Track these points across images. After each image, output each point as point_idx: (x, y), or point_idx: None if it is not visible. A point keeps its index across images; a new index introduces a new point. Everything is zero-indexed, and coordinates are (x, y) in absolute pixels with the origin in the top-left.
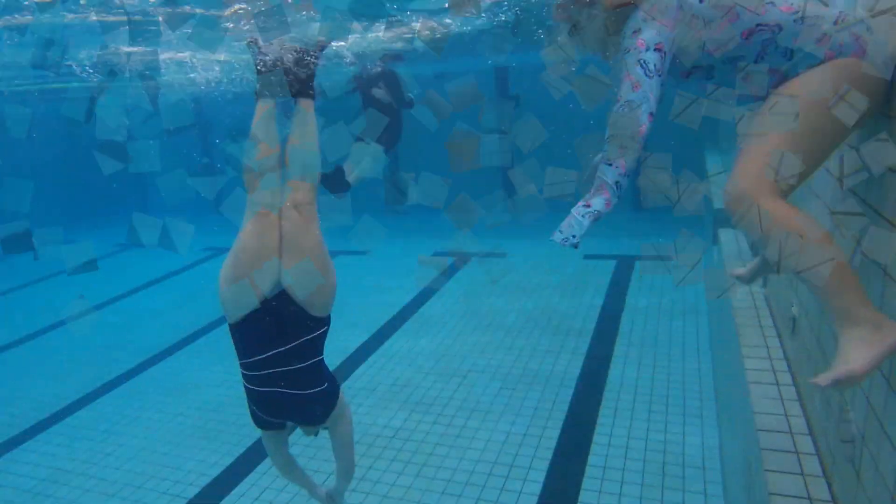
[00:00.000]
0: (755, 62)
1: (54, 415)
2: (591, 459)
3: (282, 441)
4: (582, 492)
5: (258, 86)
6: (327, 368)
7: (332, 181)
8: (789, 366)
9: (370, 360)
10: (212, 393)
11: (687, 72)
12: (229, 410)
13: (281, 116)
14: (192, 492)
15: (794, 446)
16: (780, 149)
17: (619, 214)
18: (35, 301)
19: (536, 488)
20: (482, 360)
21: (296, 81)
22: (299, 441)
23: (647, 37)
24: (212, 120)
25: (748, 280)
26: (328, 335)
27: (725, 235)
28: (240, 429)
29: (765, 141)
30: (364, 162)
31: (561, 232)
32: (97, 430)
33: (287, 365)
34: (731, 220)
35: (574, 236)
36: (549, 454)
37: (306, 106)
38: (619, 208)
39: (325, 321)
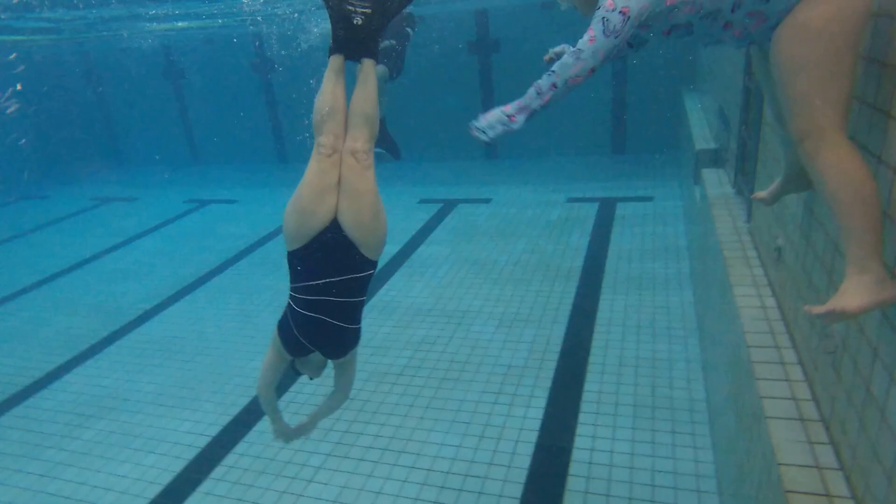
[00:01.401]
0: (731, 11)
1: (64, 364)
2: (587, 385)
3: (281, 372)
4: (581, 414)
5: (332, 43)
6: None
7: (391, 149)
8: (773, 291)
9: (369, 305)
10: (218, 341)
11: (667, 30)
12: (237, 357)
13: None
14: (214, 430)
15: (781, 357)
16: (826, 79)
17: (600, 158)
18: (29, 252)
19: (539, 413)
20: (477, 301)
21: (365, 45)
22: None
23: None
24: None
25: (770, 202)
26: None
27: (708, 175)
28: (252, 372)
29: (812, 76)
30: (383, 100)
31: (479, 122)
32: (111, 377)
33: (336, 296)
34: (802, 156)
35: (485, 134)
36: (548, 383)
37: (369, 65)
38: (599, 152)
39: (373, 265)
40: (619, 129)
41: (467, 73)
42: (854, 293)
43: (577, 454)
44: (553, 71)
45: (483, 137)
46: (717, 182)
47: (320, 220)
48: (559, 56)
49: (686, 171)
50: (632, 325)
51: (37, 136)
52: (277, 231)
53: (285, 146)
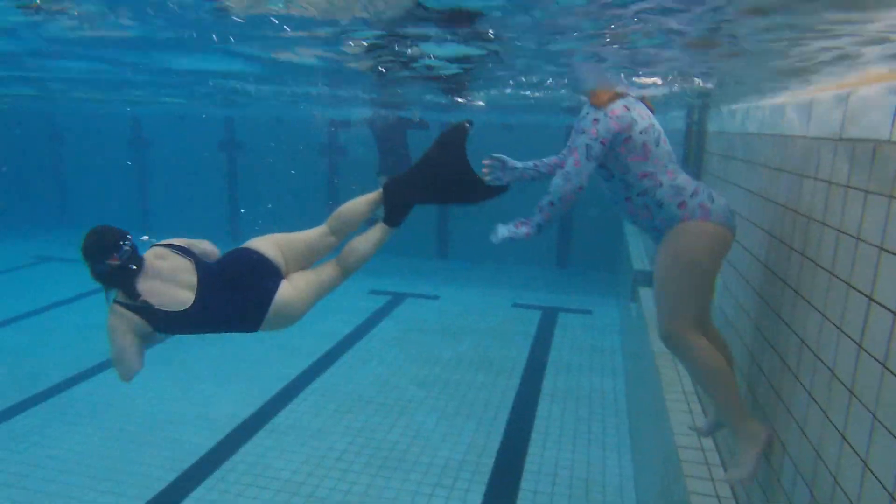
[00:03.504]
0: (637, 195)
1: None
2: (524, 484)
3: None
4: None
5: (386, 213)
6: None
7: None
8: (699, 398)
9: (312, 386)
10: (147, 410)
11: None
12: (167, 427)
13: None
14: None
15: (705, 458)
16: (682, 297)
17: (545, 269)
18: None
19: None
20: (420, 392)
21: (400, 216)
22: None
23: (601, 129)
24: None
25: (707, 433)
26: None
27: (645, 293)
28: (182, 445)
29: (671, 292)
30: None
31: (497, 235)
32: (26, 442)
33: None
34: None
35: (496, 236)
36: (485, 478)
37: (388, 231)
38: (544, 265)
39: None
40: (564, 245)
41: None
42: (747, 458)
43: None
44: (549, 192)
45: (493, 239)
46: (652, 301)
47: None
48: (494, 163)
49: (623, 289)
50: (569, 426)
51: None
52: None
53: (239, 224)
